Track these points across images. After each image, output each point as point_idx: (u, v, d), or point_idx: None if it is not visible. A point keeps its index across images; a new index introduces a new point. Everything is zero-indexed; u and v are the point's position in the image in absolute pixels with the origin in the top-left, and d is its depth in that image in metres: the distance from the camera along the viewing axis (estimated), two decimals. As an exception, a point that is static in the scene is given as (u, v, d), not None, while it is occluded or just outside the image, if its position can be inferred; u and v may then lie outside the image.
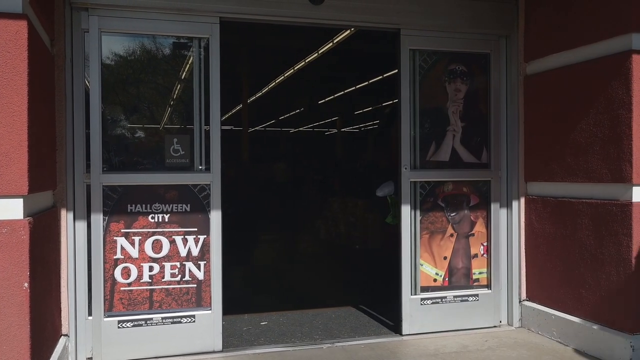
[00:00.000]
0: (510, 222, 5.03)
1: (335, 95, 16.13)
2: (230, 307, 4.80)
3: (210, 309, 4.34)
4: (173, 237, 4.28)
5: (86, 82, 4.15)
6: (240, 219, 11.23)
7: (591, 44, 4.28)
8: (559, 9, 4.58)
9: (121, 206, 4.19)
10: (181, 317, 4.28)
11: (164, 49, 4.43)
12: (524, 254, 4.99)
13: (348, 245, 9.63)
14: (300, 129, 23.12)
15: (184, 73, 4.45)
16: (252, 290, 6.67)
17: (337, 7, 4.57)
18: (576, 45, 4.43)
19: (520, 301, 4.99)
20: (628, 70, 3.94)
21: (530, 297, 4.95)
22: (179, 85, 4.48)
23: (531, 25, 4.91)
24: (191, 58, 4.41)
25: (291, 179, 14.82)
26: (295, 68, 12.44)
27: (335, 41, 9.81)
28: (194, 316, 4.30)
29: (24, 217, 3.06)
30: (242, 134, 14.91)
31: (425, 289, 4.83)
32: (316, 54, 10.95)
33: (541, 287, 4.81)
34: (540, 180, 4.82)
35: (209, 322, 4.33)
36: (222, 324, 4.39)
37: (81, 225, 4.14)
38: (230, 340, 4.61)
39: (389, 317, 5.14)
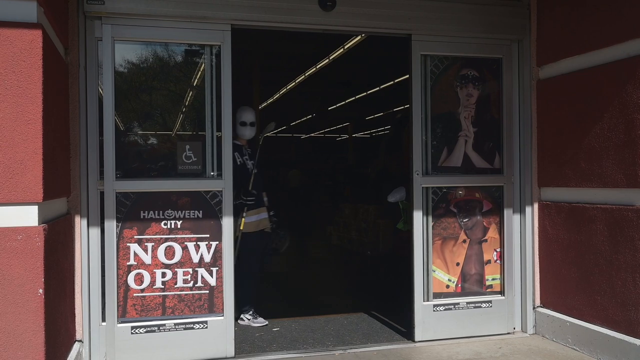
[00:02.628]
0: (523, 228, 5.00)
1: (347, 101, 16.15)
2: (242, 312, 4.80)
3: (223, 315, 4.34)
4: (185, 243, 4.30)
5: (100, 89, 4.19)
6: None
7: (605, 48, 4.25)
8: (572, 13, 4.56)
9: (134, 213, 4.21)
10: (194, 323, 4.29)
11: (176, 56, 4.46)
12: (538, 260, 4.95)
13: (359, 251, 9.61)
14: (312, 134, 23.15)
15: (196, 80, 4.47)
16: (264, 296, 6.67)
17: (347, 14, 4.58)
18: (589, 49, 4.40)
19: (534, 308, 4.95)
20: (642, 75, 3.91)
21: (544, 304, 4.90)
22: (191, 92, 4.51)
23: (543, 30, 4.89)
24: (203, 65, 4.44)
25: (303, 184, 14.83)
26: (307, 74, 12.49)
27: (346, 47, 9.83)
28: (206, 322, 4.31)
29: (39, 224, 3.09)
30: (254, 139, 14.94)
31: (437, 295, 4.80)
32: (327, 60, 10.98)
33: (555, 294, 4.76)
34: (553, 185, 4.79)
35: (221, 328, 4.33)
36: (235, 330, 4.40)
37: (95, 232, 4.17)
38: (243, 347, 4.61)
39: (402, 324, 5.12)
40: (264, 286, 7.20)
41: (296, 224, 12.31)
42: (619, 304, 4.11)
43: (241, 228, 5.23)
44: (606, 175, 4.22)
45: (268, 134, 5.94)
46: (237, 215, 5.03)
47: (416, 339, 4.71)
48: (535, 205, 4.96)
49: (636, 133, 3.95)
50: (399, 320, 5.22)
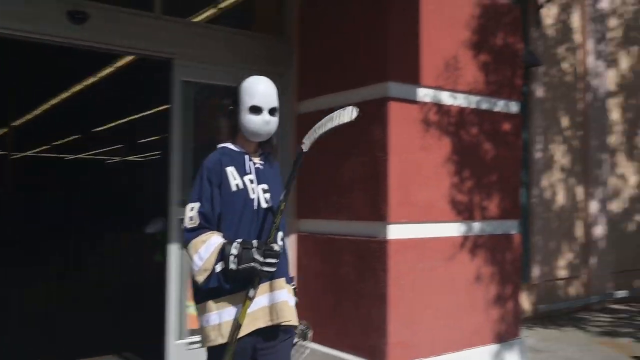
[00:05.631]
0: (282, 259, 5.04)
1: (117, 123, 15.27)
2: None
3: None
4: None
5: None
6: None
7: (355, 89, 4.53)
8: (328, 55, 4.81)
9: None
10: None
11: None
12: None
13: (122, 282, 9.03)
14: (80, 156, 21.44)
15: None
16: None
17: (101, 30, 4.22)
18: (343, 88, 4.65)
19: (291, 338, 5.00)
20: (385, 115, 4.23)
21: (300, 334, 4.99)
22: None
23: (304, 67, 5.08)
24: None
25: (64, 209, 13.64)
26: (71, 91, 11.51)
27: (115, 66, 9.28)
28: None
29: None
30: (6, 158, 13.30)
31: (193, 332, 4.57)
32: (94, 78, 10.26)
33: (313, 325, 4.87)
34: (309, 217, 4.94)
35: None
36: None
37: None
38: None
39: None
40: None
41: (55, 254, 11.21)
42: (363, 331, 4.32)
43: (240, 322, 2.34)
44: (355, 209, 4.46)
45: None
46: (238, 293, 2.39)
47: (170, 381, 4.41)
48: (294, 237, 5.06)
49: (379, 169, 4.25)
50: (154, 360, 4.86)
